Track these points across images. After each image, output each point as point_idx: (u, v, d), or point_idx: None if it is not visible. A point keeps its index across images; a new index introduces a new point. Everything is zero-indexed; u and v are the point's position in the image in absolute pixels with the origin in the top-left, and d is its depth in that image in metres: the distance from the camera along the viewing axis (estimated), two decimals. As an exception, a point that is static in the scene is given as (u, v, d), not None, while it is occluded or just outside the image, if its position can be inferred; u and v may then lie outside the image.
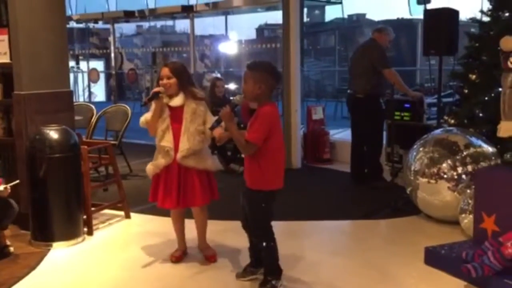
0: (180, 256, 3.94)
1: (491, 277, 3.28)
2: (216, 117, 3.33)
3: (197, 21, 10.10)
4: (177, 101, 3.67)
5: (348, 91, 6.32)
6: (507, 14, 5.12)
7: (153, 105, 3.71)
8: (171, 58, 11.80)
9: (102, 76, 15.77)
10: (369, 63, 5.99)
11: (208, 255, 3.91)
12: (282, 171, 3.31)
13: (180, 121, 3.65)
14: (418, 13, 8.91)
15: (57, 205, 4.18)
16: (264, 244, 3.32)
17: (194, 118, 3.65)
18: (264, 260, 3.39)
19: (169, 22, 16.45)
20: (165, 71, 3.68)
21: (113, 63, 11.93)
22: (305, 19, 11.68)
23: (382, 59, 5.99)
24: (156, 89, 3.67)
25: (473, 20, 5.54)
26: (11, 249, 4.01)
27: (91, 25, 14.13)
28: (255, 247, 3.48)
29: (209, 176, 3.77)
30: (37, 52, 4.53)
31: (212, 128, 3.38)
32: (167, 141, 3.67)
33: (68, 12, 11.94)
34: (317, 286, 3.51)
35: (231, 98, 4.52)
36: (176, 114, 3.66)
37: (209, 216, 5.06)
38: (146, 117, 3.74)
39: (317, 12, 20.61)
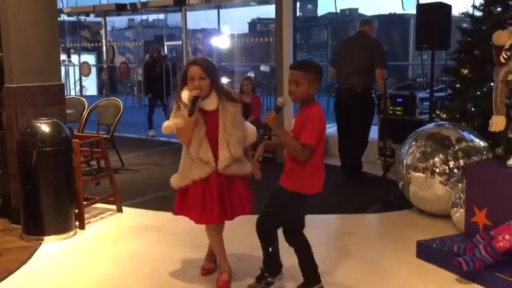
0: (213, 268, 3.59)
1: (482, 271, 3.31)
2: (263, 124, 3.06)
3: (189, 14, 10.06)
4: (211, 104, 3.22)
5: (344, 86, 6.18)
6: (499, 9, 5.14)
7: (178, 111, 3.21)
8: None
9: (93, 70, 15.69)
10: (370, 58, 5.98)
11: (219, 278, 3.44)
12: (323, 174, 3.12)
13: (215, 127, 3.21)
14: (410, 7, 8.93)
15: (48, 199, 4.16)
16: (266, 245, 3.19)
17: (235, 122, 3.22)
18: (264, 258, 3.25)
19: (161, 16, 16.39)
20: (196, 70, 3.17)
21: (104, 57, 11.88)
22: (298, 13, 11.65)
23: (383, 57, 6.03)
24: (194, 93, 3.14)
25: (466, 14, 5.55)
26: None
27: (82, 18, 14.04)
28: (272, 252, 3.27)
29: (246, 180, 3.39)
30: (27, 45, 4.49)
31: (259, 138, 3.10)
32: (205, 152, 3.19)
33: (59, 5, 11.84)
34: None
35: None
36: (210, 119, 3.21)
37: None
38: (176, 123, 3.19)
39: (309, 6, 20.58)
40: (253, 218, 3.19)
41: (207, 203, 3.23)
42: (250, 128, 3.39)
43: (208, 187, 3.23)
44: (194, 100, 3.13)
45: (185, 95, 3.20)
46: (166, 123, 3.24)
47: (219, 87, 3.25)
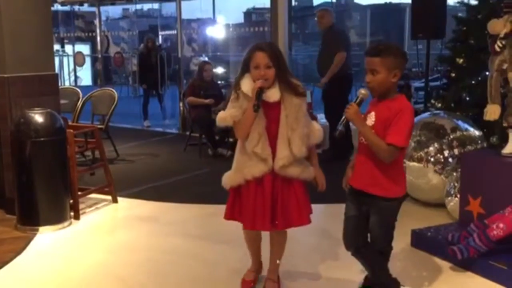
0: (254, 280, 3.24)
1: (476, 259, 3.33)
2: (342, 120, 2.68)
3: (184, 4, 9.99)
4: (274, 95, 2.85)
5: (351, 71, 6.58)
6: (494, -2, 5.12)
7: (236, 101, 2.87)
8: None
9: (88, 60, 15.61)
10: None
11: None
12: None
13: (276, 121, 2.85)
14: (406, -3, 8.91)
15: (43, 190, 4.14)
16: (380, 264, 2.92)
17: (299, 116, 2.85)
18: (375, 273, 2.97)
19: (156, 5, 16.32)
20: (262, 57, 2.81)
21: (99, 47, 11.80)
22: (293, 3, 11.61)
23: None
24: (259, 84, 2.79)
25: (461, 3, 5.54)
26: None
27: (76, 7, 13.93)
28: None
29: (305, 186, 3.01)
30: (20, 34, 4.45)
31: (339, 134, 2.71)
32: (263, 147, 2.84)
33: (53, -5, 11.71)
34: (304, 269, 3.52)
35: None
36: (272, 112, 2.86)
37: (197, 200, 5.08)
38: (232, 115, 2.86)
39: (305, -4, 20.53)
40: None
41: (258, 207, 2.88)
42: (317, 126, 2.99)
43: (261, 189, 2.88)
44: (260, 93, 2.78)
45: (246, 83, 2.86)
46: (221, 114, 2.92)
47: (285, 77, 2.86)
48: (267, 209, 2.88)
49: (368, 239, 2.89)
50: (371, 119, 2.69)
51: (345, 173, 2.94)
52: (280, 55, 2.90)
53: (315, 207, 3.11)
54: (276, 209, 2.89)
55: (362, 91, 2.69)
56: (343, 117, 2.66)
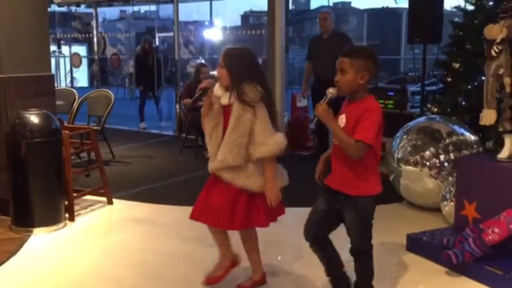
0: (217, 277, 3.23)
1: (471, 264, 3.33)
2: (314, 118, 2.76)
3: (181, 6, 9.99)
4: (224, 99, 2.89)
5: None
6: (491, 3, 5.14)
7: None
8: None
9: (84, 61, 15.58)
10: None
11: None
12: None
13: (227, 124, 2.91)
14: (403, 1, 8.95)
15: (38, 191, 4.13)
16: (364, 264, 2.94)
17: (237, 126, 2.83)
18: (360, 278, 2.98)
19: (153, 7, 16.32)
20: (220, 57, 2.92)
21: (95, 48, 11.78)
22: (291, 6, 11.62)
23: None
24: (202, 85, 2.99)
25: (458, 8, 5.55)
26: None
27: (73, 8, 13.92)
28: (335, 265, 3.03)
29: (256, 198, 2.93)
30: (17, 35, 4.45)
31: (313, 132, 2.81)
32: (211, 146, 2.96)
33: (50, -5, 11.70)
34: (298, 272, 3.52)
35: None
36: (226, 115, 2.90)
37: (192, 202, 5.06)
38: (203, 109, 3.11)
39: (302, -1, 20.58)
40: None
41: (199, 197, 3.06)
42: (273, 140, 2.89)
43: (209, 182, 3.04)
44: (202, 93, 2.96)
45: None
46: None
47: (237, 82, 2.83)
48: (200, 200, 3.02)
49: (328, 235, 2.96)
50: (342, 121, 2.75)
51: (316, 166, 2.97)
52: (238, 61, 2.88)
53: (300, 210, 3.12)
54: (206, 204, 2.99)
55: (331, 90, 2.74)
56: (314, 116, 2.74)
